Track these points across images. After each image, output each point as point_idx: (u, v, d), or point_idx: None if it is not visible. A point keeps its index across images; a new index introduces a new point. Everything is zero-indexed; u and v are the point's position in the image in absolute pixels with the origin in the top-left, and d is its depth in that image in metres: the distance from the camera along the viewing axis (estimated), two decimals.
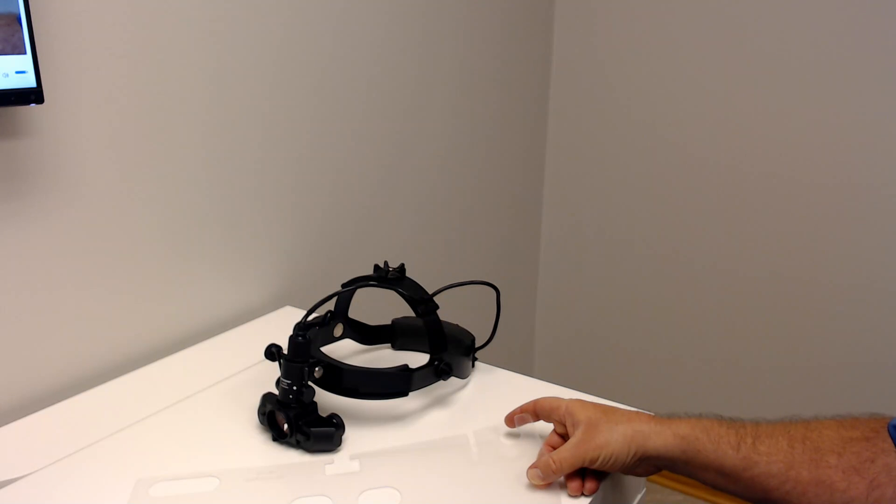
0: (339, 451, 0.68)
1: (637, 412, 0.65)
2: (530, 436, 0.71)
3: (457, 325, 0.84)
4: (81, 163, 0.78)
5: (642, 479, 0.75)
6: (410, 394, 0.73)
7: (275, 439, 0.69)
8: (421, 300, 0.76)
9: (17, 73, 0.65)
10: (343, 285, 0.78)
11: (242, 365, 0.85)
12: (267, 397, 0.71)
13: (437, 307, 0.77)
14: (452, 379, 0.78)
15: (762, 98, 1.43)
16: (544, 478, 0.63)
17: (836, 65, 1.35)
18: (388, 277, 0.77)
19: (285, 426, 0.68)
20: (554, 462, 0.62)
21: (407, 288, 0.77)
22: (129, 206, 0.84)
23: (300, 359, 0.68)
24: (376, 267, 0.78)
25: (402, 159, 1.26)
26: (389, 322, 0.91)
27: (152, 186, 0.86)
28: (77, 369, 0.81)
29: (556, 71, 1.67)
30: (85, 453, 0.68)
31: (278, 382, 0.69)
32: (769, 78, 1.42)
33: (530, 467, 0.63)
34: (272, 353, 0.72)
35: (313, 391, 0.69)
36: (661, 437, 0.61)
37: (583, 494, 0.62)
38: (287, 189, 1.04)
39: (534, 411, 0.69)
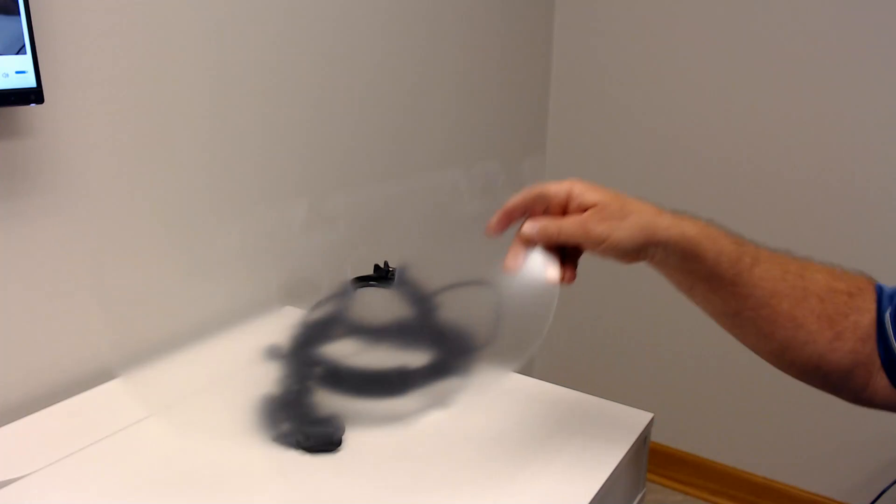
0: (339, 450, 0.68)
1: (648, 204, 0.61)
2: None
3: (457, 325, 0.84)
4: (81, 163, 0.78)
5: (643, 479, 0.75)
6: (410, 394, 0.73)
7: (275, 439, 0.69)
8: (421, 300, 0.76)
9: (17, 73, 0.65)
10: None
11: (242, 365, 0.84)
12: (267, 397, 0.71)
13: (437, 307, 0.77)
14: (452, 379, 0.78)
15: (763, 97, 1.43)
16: (538, 235, 0.59)
17: (837, 64, 1.36)
18: (389, 277, 0.77)
19: (285, 426, 0.68)
20: (554, 225, 0.58)
21: (407, 287, 0.77)
22: (129, 206, 0.84)
23: (300, 359, 0.68)
24: (376, 267, 0.78)
25: (402, 159, 1.26)
26: (389, 322, 0.91)
27: (152, 186, 0.86)
28: (77, 369, 0.81)
29: (556, 71, 1.67)
30: (85, 453, 0.68)
31: (278, 382, 0.69)
32: (770, 77, 1.42)
33: (528, 222, 0.60)
34: (272, 353, 0.72)
35: (313, 391, 0.69)
36: (668, 232, 0.59)
37: (563, 281, 0.61)
38: (288, 188, 1.04)
39: (522, 204, 0.62)
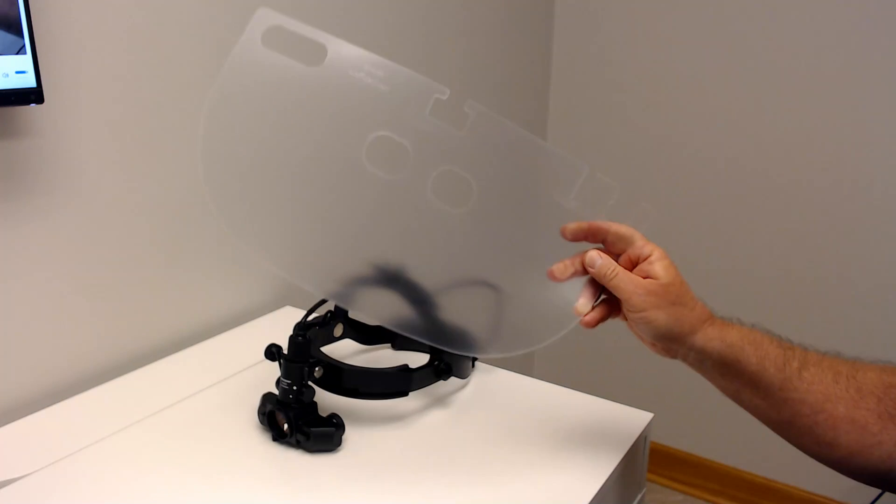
0: (339, 451, 0.68)
1: (705, 308, 0.62)
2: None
3: (458, 325, 0.83)
4: (81, 163, 0.78)
5: (643, 479, 0.75)
6: (410, 394, 0.73)
7: (275, 439, 0.69)
8: (421, 300, 0.76)
9: (17, 73, 0.65)
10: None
11: (242, 365, 0.84)
12: (267, 397, 0.71)
13: (437, 307, 0.77)
14: (452, 379, 0.78)
15: (764, 97, 1.43)
16: (594, 269, 0.60)
17: (837, 64, 1.35)
18: (388, 277, 0.77)
19: (285, 426, 0.68)
20: (611, 271, 0.60)
21: (407, 288, 0.76)
22: (129, 206, 0.84)
23: (300, 359, 0.68)
24: (376, 267, 0.78)
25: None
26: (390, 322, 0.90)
27: (152, 186, 0.86)
28: (77, 369, 0.81)
29: (556, 71, 1.67)
30: (85, 453, 0.68)
31: (278, 382, 0.69)
32: (771, 77, 1.42)
33: (596, 251, 0.61)
34: (272, 353, 0.71)
35: (313, 391, 0.69)
36: (706, 342, 0.59)
37: (582, 317, 0.62)
38: (287, 188, 1.04)
39: (605, 232, 0.63)
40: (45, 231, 0.76)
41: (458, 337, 0.81)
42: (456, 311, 0.72)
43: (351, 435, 0.70)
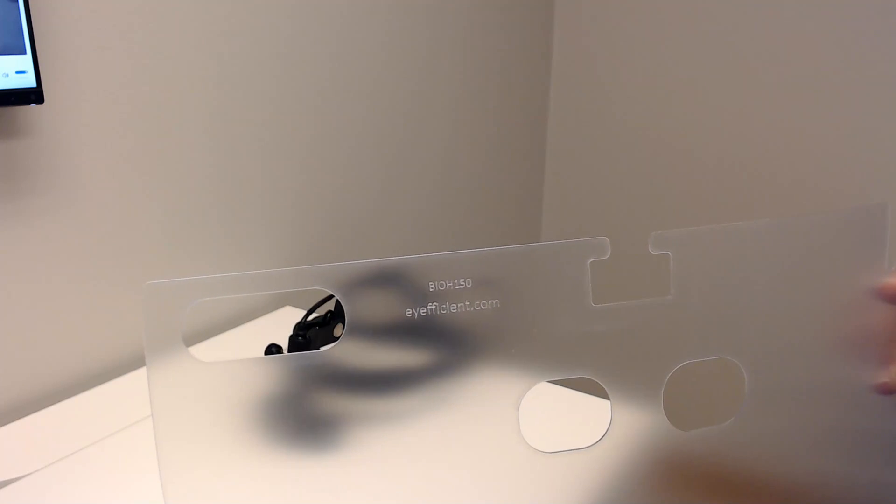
0: (339, 451, 0.68)
1: None
2: None
3: (458, 325, 0.83)
4: (81, 163, 0.78)
5: None
6: (410, 394, 0.73)
7: (275, 439, 0.69)
8: (423, 299, 0.76)
9: (17, 73, 0.65)
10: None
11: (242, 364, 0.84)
12: (267, 397, 0.71)
13: (438, 306, 0.77)
14: (453, 379, 0.78)
15: (765, 100, 1.43)
16: None
17: (838, 63, 1.35)
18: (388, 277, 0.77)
19: (285, 426, 0.68)
20: None
21: (408, 287, 0.76)
22: (129, 206, 0.84)
23: (300, 359, 0.68)
24: None
25: (402, 159, 1.26)
26: (390, 322, 0.90)
27: (152, 186, 0.86)
28: (77, 369, 0.81)
29: (556, 71, 1.67)
30: (85, 453, 0.68)
31: (278, 382, 0.69)
32: (772, 79, 1.42)
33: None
34: (272, 352, 0.71)
35: (313, 391, 0.69)
36: None
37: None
38: (287, 188, 1.04)
39: None
40: (44, 231, 0.76)
41: (459, 337, 0.81)
42: (458, 310, 0.71)
43: (351, 435, 0.70)
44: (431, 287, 0.36)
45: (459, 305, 0.36)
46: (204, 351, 0.90)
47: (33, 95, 0.67)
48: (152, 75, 0.83)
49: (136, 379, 0.83)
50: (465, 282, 0.35)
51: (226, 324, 0.98)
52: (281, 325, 0.96)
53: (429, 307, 0.36)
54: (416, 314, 0.35)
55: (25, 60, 0.66)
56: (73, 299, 0.80)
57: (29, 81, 0.66)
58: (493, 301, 0.34)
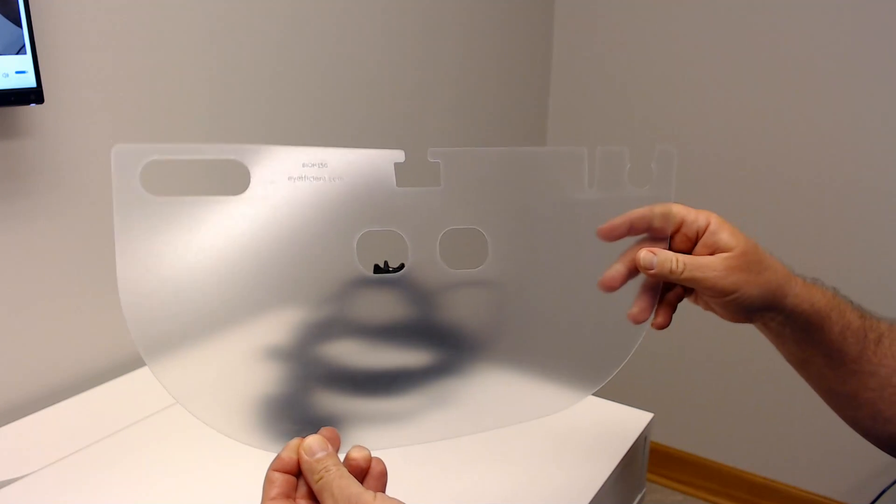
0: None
1: (780, 262, 0.55)
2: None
3: (459, 325, 0.83)
4: (81, 163, 0.78)
5: (643, 479, 0.75)
6: (410, 394, 0.73)
7: (275, 439, 0.69)
8: (423, 299, 0.76)
9: (17, 73, 0.65)
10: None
11: (242, 365, 0.84)
12: (267, 397, 0.71)
13: (439, 306, 0.77)
14: (453, 379, 0.78)
15: (765, 95, 1.43)
16: (655, 269, 0.51)
17: (838, 62, 1.35)
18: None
19: (285, 426, 0.68)
20: (677, 263, 0.51)
21: (409, 286, 0.76)
22: None
23: (300, 359, 0.68)
24: (376, 267, 0.78)
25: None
26: (390, 321, 0.90)
27: (152, 185, 0.86)
28: (77, 369, 0.81)
29: (555, 71, 1.67)
30: (85, 453, 0.68)
31: (278, 382, 0.69)
32: (772, 75, 1.42)
33: (646, 249, 0.52)
34: (272, 353, 0.71)
35: (313, 391, 0.69)
36: (797, 300, 0.52)
37: (642, 321, 0.54)
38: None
39: (648, 219, 0.53)
40: (45, 231, 0.76)
41: (459, 337, 0.81)
42: (459, 310, 0.71)
43: (351, 435, 0.70)
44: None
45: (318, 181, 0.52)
46: (204, 350, 0.90)
47: (33, 95, 0.67)
48: (152, 75, 0.83)
49: (136, 379, 0.83)
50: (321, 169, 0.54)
51: (226, 323, 0.98)
52: (281, 324, 0.96)
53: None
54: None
55: (25, 60, 0.66)
56: (74, 298, 0.80)
57: (29, 81, 0.66)
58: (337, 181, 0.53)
